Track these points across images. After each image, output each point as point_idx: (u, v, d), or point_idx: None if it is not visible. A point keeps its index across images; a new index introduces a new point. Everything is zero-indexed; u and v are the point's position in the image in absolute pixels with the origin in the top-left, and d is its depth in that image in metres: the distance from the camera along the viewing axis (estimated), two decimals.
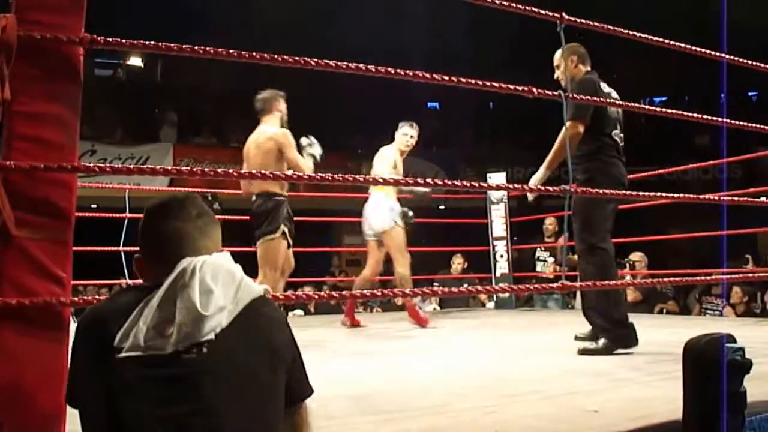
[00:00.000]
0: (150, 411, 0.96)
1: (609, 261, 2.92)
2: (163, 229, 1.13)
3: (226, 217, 4.19)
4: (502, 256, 5.82)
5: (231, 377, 1.01)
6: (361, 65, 1.95)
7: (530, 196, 3.15)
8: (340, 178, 2.46)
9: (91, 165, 2.12)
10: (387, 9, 9.30)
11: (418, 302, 5.11)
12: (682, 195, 3.10)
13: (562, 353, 2.87)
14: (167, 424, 0.96)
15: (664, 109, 2.78)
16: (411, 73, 2.04)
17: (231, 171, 1.95)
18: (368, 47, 8.18)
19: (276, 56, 1.84)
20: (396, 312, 6.10)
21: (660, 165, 6.56)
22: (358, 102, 10.40)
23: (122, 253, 4.12)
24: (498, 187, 6.18)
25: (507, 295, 5.68)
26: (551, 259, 5.88)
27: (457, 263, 6.22)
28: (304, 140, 3.67)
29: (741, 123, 2.73)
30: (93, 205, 7.73)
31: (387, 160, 4.31)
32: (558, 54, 3.09)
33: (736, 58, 2.68)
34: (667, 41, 2.55)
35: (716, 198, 3.08)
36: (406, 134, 4.39)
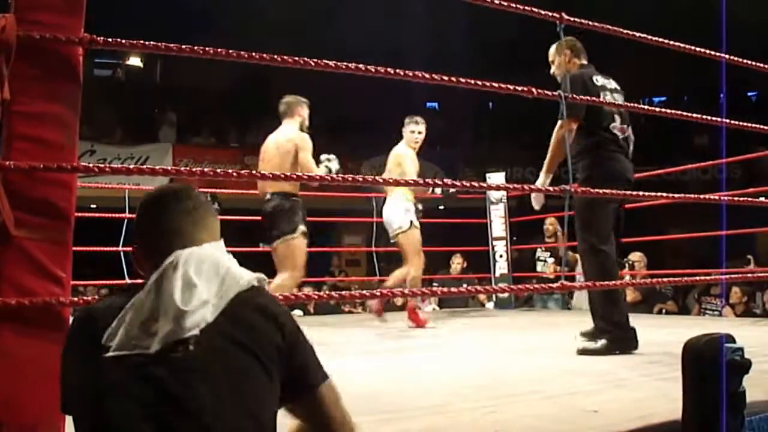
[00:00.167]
0: (136, 411, 0.93)
1: (610, 264, 2.89)
2: (157, 222, 1.11)
3: (226, 217, 4.18)
4: (501, 256, 5.82)
5: (219, 375, 0.97)
6: (360, 65, 1.95)
7: (536, 205, 3.10)
8: (340, 179, 2.46)
9: (91, 165, 2.12)
10: (387, 9, 9.30)
11: (417, 302, 5.11)
12: (681, 195, 3.10)
13: (561, 353, 2.87)
14: (153, 425, 0.93)
15: (663, 109, 2.78)
16: (410, 74, 2.04)
17: (230, 171, 1.95)
18: (368, 47, 8.17)
19: (276, 56, 1.84)
20: (395, 312, 6.10)
21: (659, 165, 6.57)
22: (357, 102, 10.41)
23: (122, 253, 4.12)
24: (497, 187, 6.18)
25: (506, 295, 5.68)
26: (551, 260, 5.88)
27: (457, 263, 6.23)
28: (324, 156, 3.71)
29: (740, 123, 2.73)
30: (93, 205, 7.73)
31: (407, 161, 4.29)
32: (552, 49, 3.09)
33: (736, 58, 2.68)
34: (666, 41, 2.55)
35: (715, 198, 3.09)
36: (413, 131, 4.38)
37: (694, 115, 2.64)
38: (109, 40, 1.62)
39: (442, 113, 13.61)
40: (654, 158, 8.77)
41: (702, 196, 2.86)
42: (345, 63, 1.93)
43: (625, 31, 2.46)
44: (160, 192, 1.16)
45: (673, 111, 2.71)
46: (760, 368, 1.69)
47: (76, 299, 1.51)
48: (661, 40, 2.53)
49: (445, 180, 2.38)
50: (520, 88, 2.23)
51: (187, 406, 0.94)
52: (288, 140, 3.61)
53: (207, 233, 1.13)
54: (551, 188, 2.59)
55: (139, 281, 1.10)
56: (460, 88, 2.19)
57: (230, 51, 1.79)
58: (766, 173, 8.72)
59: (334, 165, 3.69)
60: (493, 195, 5.86)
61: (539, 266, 5.99)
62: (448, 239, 6.44)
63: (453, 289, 2.53)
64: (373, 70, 1.96)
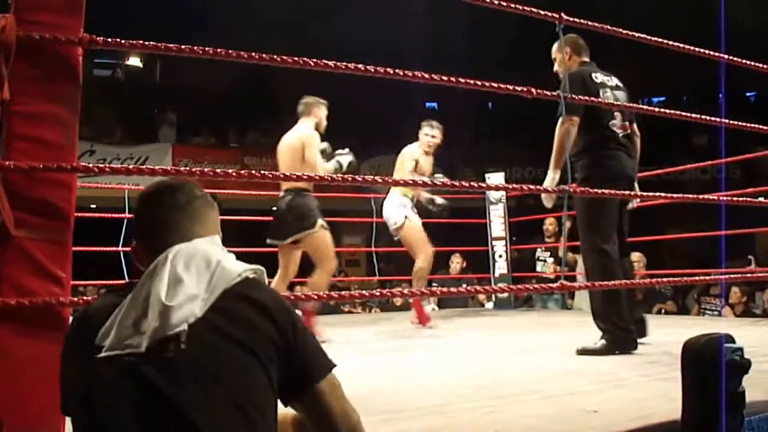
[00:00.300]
0: (125, 412, 0.92)
1: (611, 264, 2.88)
2: (153, 217, 1.10)
3: (226, 217, 4.18)
4: (500, 256, 5.82)
5: (210, 373, 0.94)
6: (360, 65, 1.95)
7: (548, 203, 3.07)
8: (340, 179, 2.46)
9: (91, 165, 2.12)
10: (386, 9, 9.30)
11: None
12: (680, 195, 3.10)
13: (561, 353, 2.87)
14: (143, 426, 0.91)
15: (662, 109, 2.78)
16: (410, 74, 2.04)
17: (230, 171, 1.95)
18: (367, 47, 8.18)
19: (276, 56, 1.84)
20: (395, 312, 6.10)
21: (658, 165, 6.57)
22: (357, 102, 10.41)
23: (122, 253, 4.12)
24: (497, 188, 6.18)
25: (506, 295, 5.68)
26: (551, 259, 5.89)
27: (456, 263, 6.23)
28: (340, 150, 3.76)
29: (739, 123, 2.73)
30: (92, 206, 7.73)
31: (407, 160, 4.36)
32: (555, 47, 3.09)
33: (735, 59, 2.68)
34: (665, 41, 2.55)
35: (715, 198, 3.09)
36: (427, 134, 4.44)
37: (693, 115, 2.64)
38: (109, 40, 1.63)
39: (442, 113, 13.60)
40: (653, 158, 8.77)
41: (701, 196, 2.86)
42: (345, 63, 1.93)
43: (624, 31, 2.46)
44: (156, 187, 1.16)
45: (672, 111, 2.71)
46: (759, 368, 1.69)
47: (76, 299, 1.51)
48: (660, 40, 2.54)
49: (445, 180, 2.38)
50: (519, 89, 2.23)
51: (176, 406, 0.92)
52: (297, 138, 3.68)
53: (203, 227, 1.11)
54: (550, 188, 2.59)
55: (136, 280, 1.08)
56: (459, 88, 2.19)
57: (230, 51, 1.80)
58: (765, 173, 8.73)
59: (346, 159, 3.71)
60: (493, 195, 5.86)
61: (539, 266, 5.99)
62: (448, 239, 6.44)
63: (452, 289, 2.53)
64: (372, 70, 1.96)
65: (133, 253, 1.13)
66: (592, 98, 2.85)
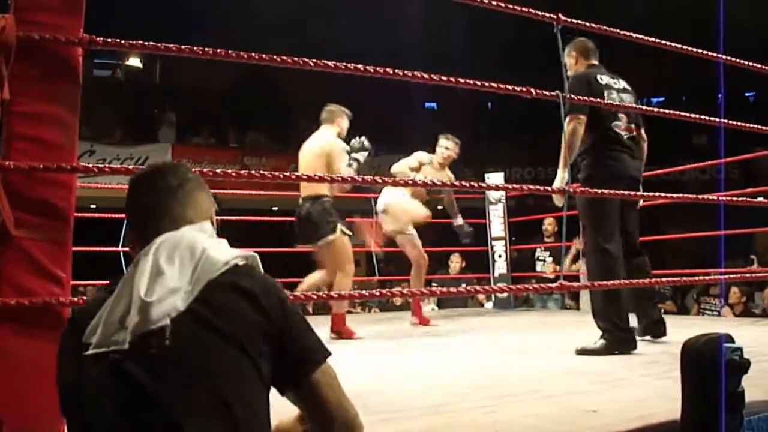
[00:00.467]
0: (111, 411, 0.89)
1: (612, 264, 2.89)
2: (144, 203, 1.07)
3: (226, 217, 4.19)
4: (500, 256, 5.83)
5: (194, 368, 0.91)
6: (359, 66, 1.95)
7: (558, 201, 3.04)
8: (343, 179, 2.46)
9: (90, 165, 2.12)
10: (386, 9, 9.31)
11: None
12: (680, 195, 3.10)
13: (561, 353, 2.87)
14: (127, 424, 0.89)
15: (661, 110, 2.79)
16: (409, 74, 2.04)
17: (230, 171, 1.95)
18: (367, 48, 8.18)
19: (276, 56, 1.84)
20: (394, 312, 6.10)
21: (658, 165, 6.57)
22: (356, 102, 10.41)
23: (122, 253, 4.12)
24: (496, 188, 6.18)
25: (505, 295, 5.68)
26: (551, 259, 5.89)
27: (455, 263, 6.23)
28: (355, 142, 3.79)
29: (738, 123, 2.74)
30: (92, 206, 7.73)
31: (411, 157, 4.45)
32: (565, 51, 3.12)
33: (734, 59, 2.68)
34: (664, 42, 2.56)
35: (714, 198, 3.09)
36: (441, 146, 4.53)
37: (693, 115, 2.64)
38: (109, 40, 1.63)
39: (441, 113, 13.63)
40: (653, 158, 8.75)
41: (700, 196, 2.86)
42: (344, 63, 1.93)
43: (622, 32, 2.46)
44: (146, 171, 1.13)
45: (671, 111, 2.71)
46: (759, 368, 1.69)
47: (76, 299, 1.51)
48: (658, 40, 2.54)
49: (444, 180, 2.38)
50: (518, 89, 2.23)
51: (159, 404, 0.89)
52: (320, 146, 3.76)
53: (194, 211, 1.08)
54: (549, 188, 2.59)
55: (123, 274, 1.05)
56: (458, 88, 2.19)
57: (230, 51, 1.80)
58: (764, 173, 8.75)
59: (362, 155, 3.76)
60: (492, 195, 5.86)
61: (539, 266, 6.00)
62: (447, 239, 6.45)
63: (452, 289, 2.53)
64: (372, 70, 1.96)
65: (129, 242, 1.10)
66: (591, 98, 2.86)
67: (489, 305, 6.12)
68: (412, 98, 10.84)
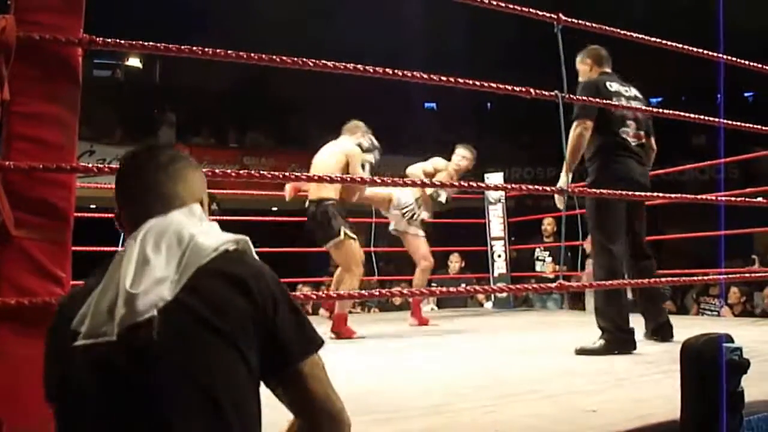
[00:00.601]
0: (97, 403, 0.87)
1: (615, 265, 2.92)
2: (134, 180, 1.03)
3: (226, 217, 4.19)
4: (499, 256, 5.83)
5: (181, 361, 0.88)
6: (359, 66, 1.95)
7: (559, 204, 3.05)
8: (343, 179, 2.45)
9: (90, 165, 2.12)
10: (386, 10, 9.31)
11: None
12: (679, 195, 3.11)
13: (561, 353, 2.88)
14: (114, 418, 0.87)
15: (660, 110, 2.79)
16: (409, 74, 2.04)
17: (230, 171, 1.95)
18: (367, 48, 8.18)
19: (275, 56, 1.84)
20: (394, 312, 6.10)
21: (658, 165, 6.56)
22: (356, 102, 10.41)
23: None
24: (496, 188, 6.19)
25: (505, 295, 5.68)
26: (550, 259, 5.89)
27: (455, 263, 6.23)
28: (365, 141, 3.88)
29: (738, 123, 2.74)
30: (92, 206, 7.72)
31: (423, 163, 4.59)
32: (578, 58, 3.15)
33: (733, 59, 2.69)
34: (663, 42, 2.56)
35: (713, 198, 3.09)
36: (458, 155, 4.63)
37: (692, 115, 2.64)
38: (109, 40, 1.63)
39: (440, 113, 13.62)
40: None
41: (700, 197, 2.87)
42: (344, 63, 1.94)
43: (622, 32, 2.46)
44: (135, 151, 1.08)
45: (670, 111, 2.71)
46: (758, 368, 1.69)
47: None
48: (658, 40, 2.54)
49: (444, 180, 2.38)
50: (518, 89, 2.23)
51: (146, 398, 0.87)
52: (341, 151, 3.82)
53: (186, 188, 1.04)
54: (549, 188, 2.59)
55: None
56: (458, 88, 2.19)
57: (230, 51, 1.80)
58: (764, 173, 8.75)
59: (372, 156, 3.83)
60: (492, 195, 5.87)
61: (538, 266, 6.00)
62: (447, 239, 6.45)
63: (452, 289, 2.53)
64: (371, 70, 1.96)
65: (116, 220, 1.05)
66: (590, 98, 2.86)
67: (488, 305, 6.12)
68: (411, 98, 10.84)
